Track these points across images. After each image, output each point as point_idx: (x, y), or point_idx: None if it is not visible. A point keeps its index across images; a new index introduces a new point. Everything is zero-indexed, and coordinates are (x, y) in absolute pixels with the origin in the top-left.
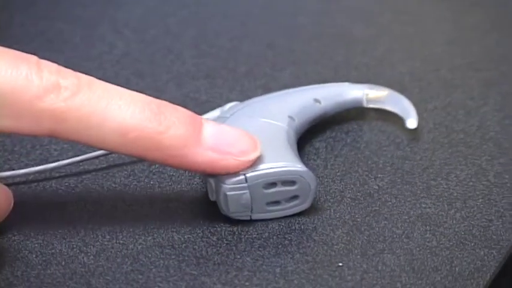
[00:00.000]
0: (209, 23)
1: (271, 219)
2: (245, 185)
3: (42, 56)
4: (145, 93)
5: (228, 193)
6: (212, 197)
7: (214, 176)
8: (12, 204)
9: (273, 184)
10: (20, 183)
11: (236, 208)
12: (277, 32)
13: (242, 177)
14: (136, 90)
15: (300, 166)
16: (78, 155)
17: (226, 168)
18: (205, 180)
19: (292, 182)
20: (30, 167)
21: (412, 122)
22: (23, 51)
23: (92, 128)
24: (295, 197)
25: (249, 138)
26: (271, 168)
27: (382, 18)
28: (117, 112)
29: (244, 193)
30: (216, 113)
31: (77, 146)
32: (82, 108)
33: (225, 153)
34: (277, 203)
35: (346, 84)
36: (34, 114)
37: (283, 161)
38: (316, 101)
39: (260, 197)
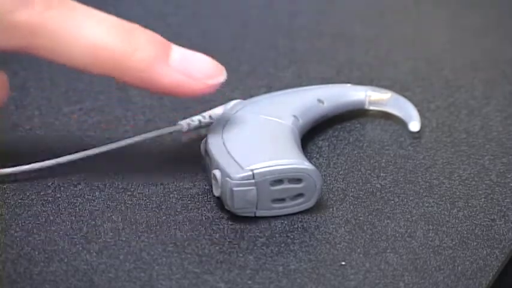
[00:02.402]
0: (209, 23)
1: (274, 218)
2: (252, 181)
3: None
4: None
5: (235, 189)
6: (217, 192)
7: (220, 171)
8: (7, 93)
9: (280, 181)
10: (23, 179)
11: (241, 204)
12: (278, 31)
13: (250, 173)
14: None
15: (307, 164)
16: (81, 151)
17: (193, 91)
18: (210, 175)
19: (298, 180)
20: (32, 163)
21: (414, 125)
22: None
23: (61, 44)
24: (300, 195)
25: (215, 63)
26: (279, 165)
27: (382, 18)
28: (87, 30)
29: (251, 189)
30: (219, 110)
31: (80, 143)
32: (54, 23)
33: (191, 76)
34: (282, 200)
35: (349, 85)
36: (6, 28)
37: (290, 159)
38: (320, 101)
39: (266, 194)
